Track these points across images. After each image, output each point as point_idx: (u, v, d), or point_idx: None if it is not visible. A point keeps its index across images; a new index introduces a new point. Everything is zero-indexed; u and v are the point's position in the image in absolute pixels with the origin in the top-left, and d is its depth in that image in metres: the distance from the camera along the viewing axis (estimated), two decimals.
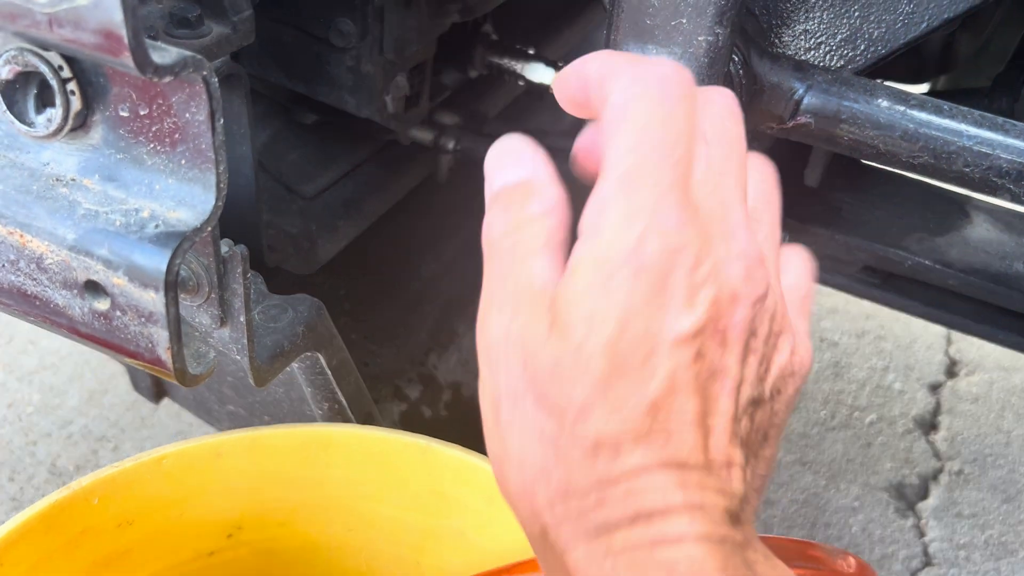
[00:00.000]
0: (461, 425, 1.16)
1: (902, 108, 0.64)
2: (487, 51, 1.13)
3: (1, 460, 1.37)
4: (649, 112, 0.40)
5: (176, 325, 0.43)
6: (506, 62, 1.14)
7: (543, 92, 1.14)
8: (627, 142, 0.40)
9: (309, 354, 0.74)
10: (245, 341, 0.65)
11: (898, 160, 0.65)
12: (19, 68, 0.43)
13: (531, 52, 1.13)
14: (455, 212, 1.39)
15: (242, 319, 0.63)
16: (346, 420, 0.80)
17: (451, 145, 1.18)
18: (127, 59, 0.36)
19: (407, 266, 1.31)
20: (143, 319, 0.43)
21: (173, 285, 0.42)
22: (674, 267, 0.38)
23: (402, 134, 1.12)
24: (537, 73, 1.14)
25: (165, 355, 0.44)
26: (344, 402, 0.79)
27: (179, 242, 0.42)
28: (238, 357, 0.67)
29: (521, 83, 1.15)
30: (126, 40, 0.35)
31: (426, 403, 1.15)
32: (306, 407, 0.85)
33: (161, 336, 0.43)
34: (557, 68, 1.12)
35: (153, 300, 0.42)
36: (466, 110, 1.22)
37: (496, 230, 0.42)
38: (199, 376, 0.46)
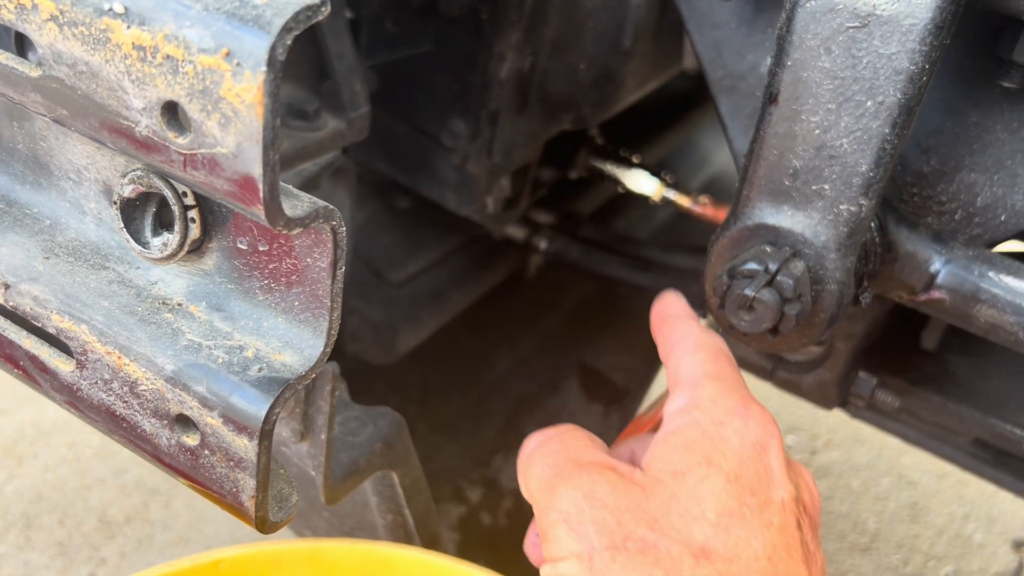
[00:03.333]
0: (521, 537, 1.11)
1: None
2: (590, 155, 1.11)
3: (54, 502, 1.36)
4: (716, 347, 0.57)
5: (265, 474, 0.40)
6: (608, 167, 1.12)
7: (639, 197, 1.11)
8: (705, 361, 0.55)
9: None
10: (322, 459, 0.62)
11: None
12: (142, 189, 0.41)
13: (635, 160, 1.11)
14: (535, 307, 1.36)
15: (323, 437, 0.61)
16: (409, 537, 0.76)
17: (543, 245, 1.16)
18: (258, 210, 0.34)
19: (482, 357, 1.28)
20: (231, 463, 0.41)
21: (269, 434, 0.40)
22: (769, 444, 0.51)
23: (496, 230, 1.10)
24: (638, 181, 1.11)
25: (248, 503, 0.41)
26: (410, 519, 0.75)
27: (281, 390, 0.39)
28: (312, 473, 0.64)
29: (621, 189, 1.12)
30: (261, 194, 0.33)
31: (486, 508, 1.11)
32: (368, 513, 0.81)
33: (247, 483, 0.41)
34: (660, 177, 1.09)
35: (245, 447, 0.40)
36: (560, 209, 1.20)
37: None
38: (279, 523, 0.43)
